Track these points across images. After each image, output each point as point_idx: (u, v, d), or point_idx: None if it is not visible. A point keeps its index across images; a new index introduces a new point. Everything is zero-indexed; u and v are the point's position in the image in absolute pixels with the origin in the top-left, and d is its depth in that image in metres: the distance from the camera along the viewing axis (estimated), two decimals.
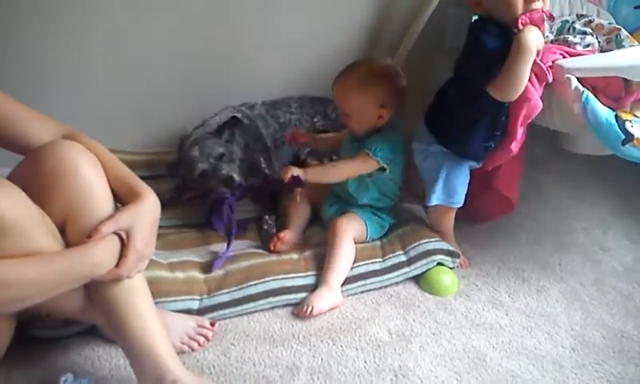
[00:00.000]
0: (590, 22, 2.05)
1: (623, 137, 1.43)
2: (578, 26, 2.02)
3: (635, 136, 1.45)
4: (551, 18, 1.51)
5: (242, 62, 2.15)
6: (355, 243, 1.70)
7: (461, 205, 1.73)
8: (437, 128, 1.67)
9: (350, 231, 1.70)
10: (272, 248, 1.69)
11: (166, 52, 2.04)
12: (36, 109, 1.26)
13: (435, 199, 1.70)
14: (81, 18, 1.90)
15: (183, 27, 2.02)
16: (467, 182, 1.71)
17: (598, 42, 1.80)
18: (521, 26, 1.45)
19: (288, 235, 1.72)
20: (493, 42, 1.47)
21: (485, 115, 1.59)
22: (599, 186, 2.25)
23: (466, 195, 1.73)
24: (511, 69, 1.45)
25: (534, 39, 1.44)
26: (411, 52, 2.14)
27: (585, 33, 2.00)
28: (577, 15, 2.07)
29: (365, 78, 1.64)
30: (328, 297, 1.59)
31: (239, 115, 1.94)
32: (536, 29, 1.46)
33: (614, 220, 2.07)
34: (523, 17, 1.46)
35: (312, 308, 1.55)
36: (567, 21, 2.05)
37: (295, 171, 1.63)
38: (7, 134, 1.22)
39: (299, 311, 1.57)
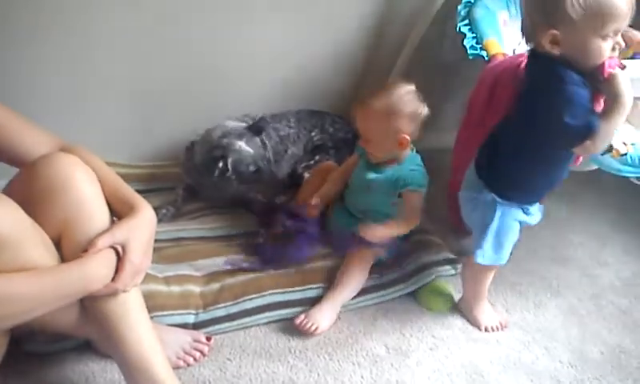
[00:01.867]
0: None
1: None
2: None
3: (614, 147, 1.46)
4: (622, 67, 1.32)
5: (240, 74, 2.14)
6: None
7: (504, 263, 1.56)
8: (492, 176, 1.48)
9: (370, 258, 1.69)
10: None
11: (164, 64, 2.04)
12: (32, 121, 1.26)
13: (481, 257, 1.51)
14: (78, 30, 1.90)
15: (181, 40, 2.02)
16: (516, 239, 1.53)
17: None
18: (607, 75, 1.28)
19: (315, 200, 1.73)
20: (584, 94, 1.27)
21: (555, 163, 1.44)
22: (596, 200, 2.25)
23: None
24: (610, 123, 1.27)
25: (629, 90, 1.28)
26: (408, 66, 2.15)
27: None
28: None
29: (393, 105, 1.61)
30: (330, 316, 1.59)
31: (244, 125, 1.94)
32: (626, 77, 1.28)
33: (612, 234, 2.08)
34: (609, 63, 1.28)
35: (317, 328, 1.55)
36: None
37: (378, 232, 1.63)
38: (3, 146, 1.21)
39: (301, 324, 1.55)
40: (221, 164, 1.82)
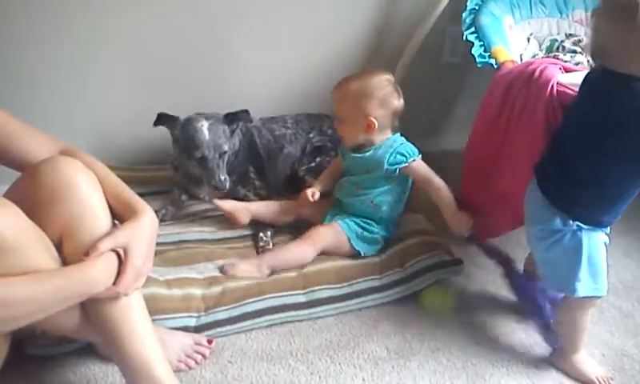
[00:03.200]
0: (580, 41, 2.08)
1: None
2: (567, 44, 2.05)
3: None
4: None
5: (238, 78, 2.15)
6: (332, 254, 1.74)
7: (605, 293, 1.43)
8: (572, 204, 1.37)
9: (321, 242, 1.73)
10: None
11: (161, 67, 2.05)
12: (33, 125, 1.26)
13: (582, 290, 1.39)
14: (77, 35, 1.91)
15: (177, 44, 2.03)
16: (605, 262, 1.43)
17: (588, 61, 1.81)
18: None
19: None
20: None
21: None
22: None
23: (479, 211, 1.71)
24: None
25: None
26: (409, 68, 2.15)
27: (574, 52, 2.02)
28: (565, 34, 2.10)
29: (365, 87, 1.69)
30: (251, 267, 1.65)
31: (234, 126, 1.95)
32: None
33: (613, 238, 2.03)
34: None
35: (233, 269, 1.63)
36: (556, 40, 2.08)
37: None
38: (4, 150, 1.21)
39: (224, 267, 1.64)
40: (175, 131, 1.85)
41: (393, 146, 1.72)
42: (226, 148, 1.85)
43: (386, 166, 1.71)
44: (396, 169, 1.71)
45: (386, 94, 1.70)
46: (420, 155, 1.74)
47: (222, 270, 1.65)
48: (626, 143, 1.25)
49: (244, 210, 1.82)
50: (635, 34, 1.19)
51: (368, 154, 1.74)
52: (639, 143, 1.24)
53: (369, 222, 1.78)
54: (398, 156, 1.71)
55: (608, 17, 1.25)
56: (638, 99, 1.22)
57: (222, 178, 1.83)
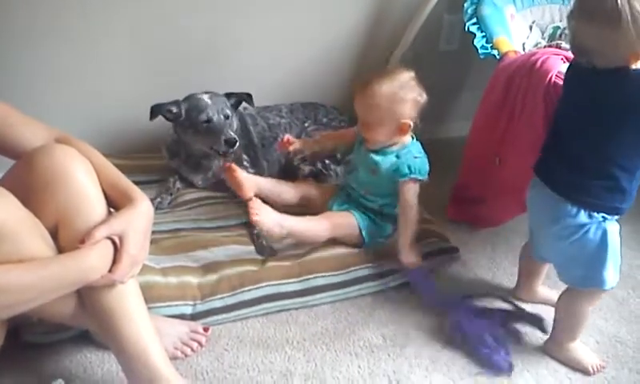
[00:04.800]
0: None
1: None
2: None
3: None
4: None
5: (234, 67, 2.14)
6: (341, 243, 1.72)
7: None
8: (591, 196, 1.36)
9: (337, 228, 1.71)
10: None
11: (158, 56, 2.04)
12: (28, 113, 1.25)
13: (610, 281, 1.40)
14: (72, 25, 1.90)
15: (173, 33, 2.02)
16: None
17: None
18: None
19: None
20: None
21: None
22: None
23: (482, 200, 1.69)
24: None
25: None
26: (405, 56, 2.15)
27: None
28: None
29: (397, 90, 1.61)
30: (274, 223, 1.61)
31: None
32: None
33: None
34: None
35: (258, 218, 1.58)
36: (558, 27, 2.06)
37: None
38: None
39: (251, 204, 1.60)
40: (174, 108, 1.84)
41: (407, 158, 1.66)
42: (229, 112, 1.86)
43: (393, 174, 1.67)
44: (400, 180, 1.67)
45: (416, 93, 1.63)
46: (425, 177, 1.67)
47: (249, 205, 1.60)
48: (636, 128, 1.28)
49: (252, 182, 1.75)
50: (620, 35, 1.21)
51: (380, 156, 1.69)
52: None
53: (376, 218, 1.77)
54: (406, 168, 1.65)
55: (590, 21, 1.26)
56: (635, 85, 1.26)
57: (231, 133, 1.83)
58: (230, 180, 1.73)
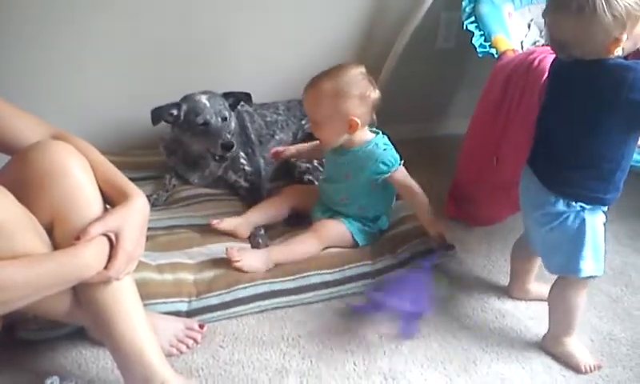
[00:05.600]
0: None
1: None
2: None
3: None
4: None
5: (230, 65, 2.15)
6: (334, 247, 1.73)
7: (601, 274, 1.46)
8: (573, 185, 1.39)
9: (327, 238, 1.71)
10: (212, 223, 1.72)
11: (154, 53, 2.04)
12: (24, 109, 1.25)
13: (587, 269, 1.41)
14: (69, 21, 1.89)
15: (170, 30, 2.02)
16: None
17: None
18: None
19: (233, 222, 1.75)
20: None
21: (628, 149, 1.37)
22: None
23: (478, 199, 1.68)
24: None
25: None
26: (402, 54, 2.15)
27: None
28: None
29: (341, 86, 1.59)
30: (259, 262, 1.61)
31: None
32: None
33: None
34: None
35: (241, 265, 1.58)
36: None
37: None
38: None
39: (231, 254, 1.59)
40: (175, 111, 1.84)
41: (375, 154, 1.66)
42: (226, 114, 1.86)
43: (368, 174, 1.67)
44: (378, 178, 1.68)
45: (363, 89, 1.60)
46: (401, 162, 1.68)
47: (227, 253, 1.60)
48: (615, 118, 1.29)
49: (244, 223, 1.76)
50: (596, 23, 1.22)
51: (348, 157, 1.69)
52: (628, 116, 1.28)
53: (363, 220, 1.77)
54: (381, 165, 1.66)
55: (566, 13, 1.26)
56: (615, 75, 1.27)
57: (228, 136, 1.83)
58: (222, 231, 1.73)
